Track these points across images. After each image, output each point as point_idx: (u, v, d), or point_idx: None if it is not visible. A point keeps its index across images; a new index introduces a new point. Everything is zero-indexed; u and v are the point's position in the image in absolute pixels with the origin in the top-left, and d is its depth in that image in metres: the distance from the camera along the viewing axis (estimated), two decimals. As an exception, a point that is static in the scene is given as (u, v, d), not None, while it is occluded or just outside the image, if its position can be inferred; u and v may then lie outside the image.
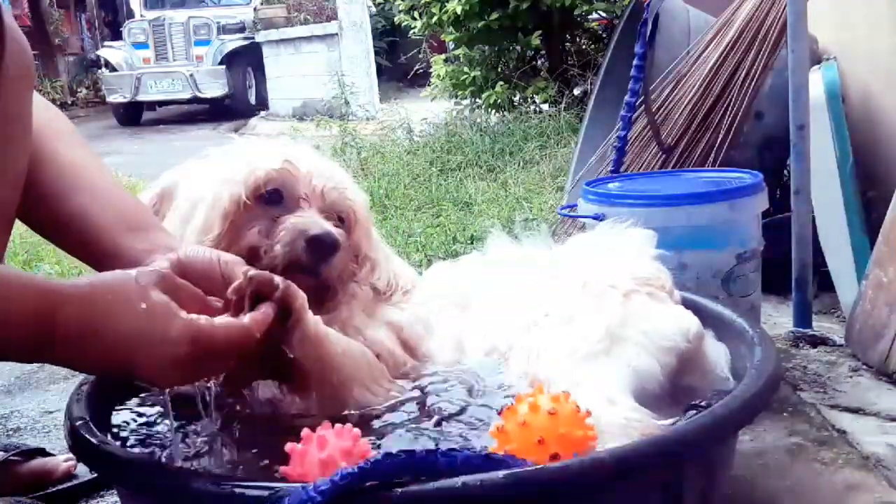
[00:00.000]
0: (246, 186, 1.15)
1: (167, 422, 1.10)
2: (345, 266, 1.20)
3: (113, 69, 11.09)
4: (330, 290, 1.19)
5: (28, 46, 0.98)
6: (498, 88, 5.57)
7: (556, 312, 1.20)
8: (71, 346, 0.86)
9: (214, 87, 10.89)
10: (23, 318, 0.84)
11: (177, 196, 1.21)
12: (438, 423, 1.09)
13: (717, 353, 1.23)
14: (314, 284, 1.14)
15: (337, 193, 1.21)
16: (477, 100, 5.83)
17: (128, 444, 1.10)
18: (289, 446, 0.92)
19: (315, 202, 1.19)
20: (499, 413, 0.98)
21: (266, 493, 0.84)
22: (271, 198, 1.17)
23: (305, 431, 0.92)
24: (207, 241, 1.12)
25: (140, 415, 1.18)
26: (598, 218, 1.61)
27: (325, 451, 0.90)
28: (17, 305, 0.84)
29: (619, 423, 0.99)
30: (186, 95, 11.00)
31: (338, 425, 0.93)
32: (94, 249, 1.07)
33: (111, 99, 11.10)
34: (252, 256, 1.13)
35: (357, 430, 0.93)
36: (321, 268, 1.15)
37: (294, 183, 1.18)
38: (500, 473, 0.83)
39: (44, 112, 1.12)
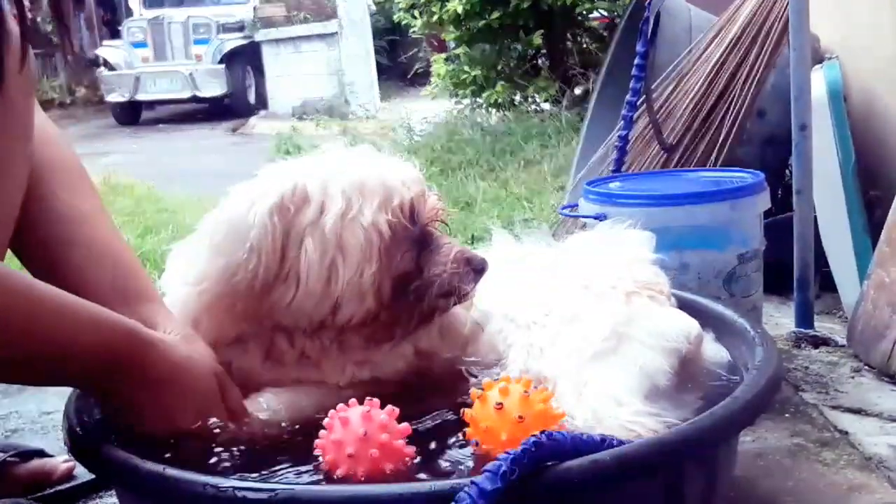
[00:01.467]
0: (402, 215, 1.15)
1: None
2: None
3: (112, 68, 11.08)
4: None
5: (30, 52, 0.98)
6: (499, 87, 5.57)
7: (557, 311, 1.19)
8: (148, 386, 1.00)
9: (213, 86, 10.89)
10: (93, 351, 0.95)
11: (312, 200, 1.14)
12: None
13: (716, 355, 1.22)
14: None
15: (442, 211, 1.25)
16: (477, 99, 5.83)
17: (127, 444, 1.09)
18: (331, 414, 0.95)
19: (435, 220, 1.22)
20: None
21: (266, 494, 0.84)
22: (412, 222, 1.18)
23: (342, 405, 0.95)
24: (368, 275, 1.12)
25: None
26: (600, 218, 1.61)
27: (340, 433, 0.92)
28: (89, 338, 0.94)
29: (622, 424, 0.99)
30: (185, 94, 11.00)
31: (364, 408, 0.94)
32: None
33: (110, 98, 11.09)
34: (402, 282, 1.16)
35: (384, 418, 0.93)
36: (473, 291, 1.20)
37: (424, 207, 1.21)
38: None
39: (50, 148, 1.13)
